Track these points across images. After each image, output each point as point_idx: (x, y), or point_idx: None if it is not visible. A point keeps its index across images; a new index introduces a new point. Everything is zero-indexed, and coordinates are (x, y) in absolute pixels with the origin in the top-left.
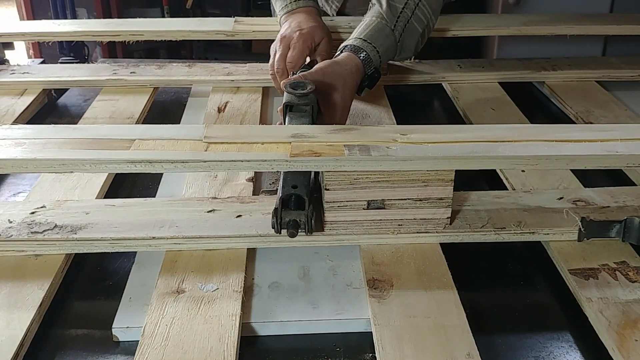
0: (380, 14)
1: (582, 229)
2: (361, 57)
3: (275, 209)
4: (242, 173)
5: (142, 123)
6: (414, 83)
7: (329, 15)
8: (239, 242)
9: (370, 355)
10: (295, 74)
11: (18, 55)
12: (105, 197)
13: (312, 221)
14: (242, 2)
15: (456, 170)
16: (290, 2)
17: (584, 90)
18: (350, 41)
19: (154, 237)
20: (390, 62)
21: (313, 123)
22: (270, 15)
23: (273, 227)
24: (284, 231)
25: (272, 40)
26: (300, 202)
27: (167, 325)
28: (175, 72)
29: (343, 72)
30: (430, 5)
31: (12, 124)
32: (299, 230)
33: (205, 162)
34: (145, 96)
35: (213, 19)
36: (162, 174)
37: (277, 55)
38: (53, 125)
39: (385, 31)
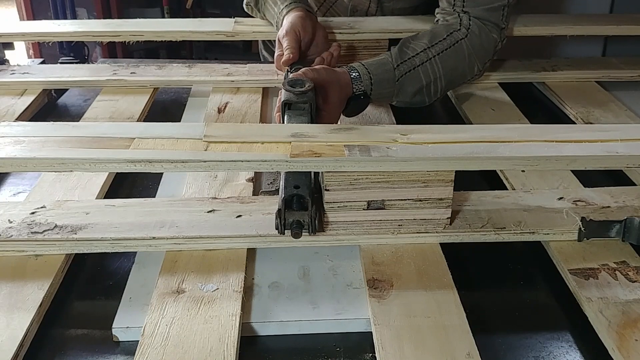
0: (389, 53)
1: (582, 229)
2: (352, 76)
3: (279, 210)
4: (242, 173)
5: None
6: None
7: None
8: (239, 242)
9: (370, 355)
10: (291, 71)
11: (18, 55)
12: (105, 197)
13: (316, 221)
14: (242, 2)
15: (456, 171)
16: (279, 14)
17: (584, 91)
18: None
19: (154, 237)
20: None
21: (312, 121)
22: None
23: (277, 228)
24: (284, 232)
25: (273, 41)
26: (303, 202)
27: (167, 325)
28: (175, 73)
29: (340, 77)
30: (445, 66)
31: None
32: (302, 231)
33: (205, 162)
34: (145, 96)
35: (213, 19)
36: (162, 174)
37: (276, 56)
38: (52, 123)
39: (386, 66)
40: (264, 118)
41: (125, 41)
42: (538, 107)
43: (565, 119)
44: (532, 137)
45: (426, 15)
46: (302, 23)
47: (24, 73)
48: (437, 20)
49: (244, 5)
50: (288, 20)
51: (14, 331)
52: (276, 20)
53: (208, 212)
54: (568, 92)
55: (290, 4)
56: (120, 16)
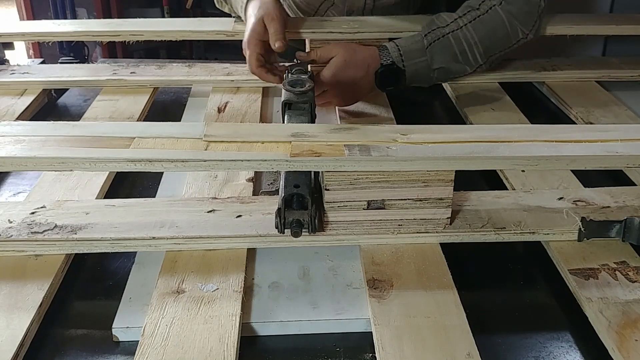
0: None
1: (582, 229)
2: (380, 50)
3: (279, 209)
4: (242, 173)
5: None
6: None
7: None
8: (239, 242)
9: (370, 355)
10: (291, 72)
11: (18, 55)
12: (105, 197)
13: (316, 220)
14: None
15: (456, 170)
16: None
17: (584, 90)
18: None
19: (154, 237)
20: None
21: (312, 121)
22: None
23: (276, 227)
24: (284, 231)
25: None
26: (303, 201)
27: (167, 326)
28: (175, 72)
29: (365, 49)
30: (479, 32)
31: None
32: (302, 230)
33: (205, 161)
34: (145, 96)
35: (213, 19)
36: (162, 174)
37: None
38: (52, 122)
39: (415, 37)
40: (264, 118)
41: (125, 41)
42: (538, 107)
43: (565, 119)
44: (532, 137)
45: (427, 15)
46: (282, 11)
47: (24, 73)
48: None
49: (215, 2)
50: (265, 4)
51: (14, 331)
52: (240, 5)
53: (208, 212)
54: (568, 92)
55: None
56: (120, 16)
